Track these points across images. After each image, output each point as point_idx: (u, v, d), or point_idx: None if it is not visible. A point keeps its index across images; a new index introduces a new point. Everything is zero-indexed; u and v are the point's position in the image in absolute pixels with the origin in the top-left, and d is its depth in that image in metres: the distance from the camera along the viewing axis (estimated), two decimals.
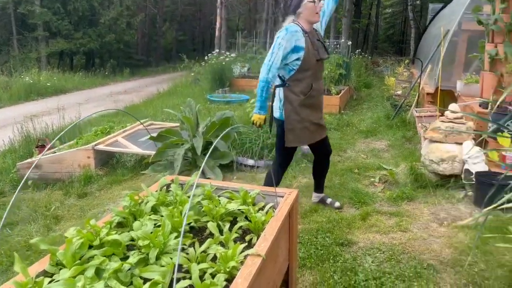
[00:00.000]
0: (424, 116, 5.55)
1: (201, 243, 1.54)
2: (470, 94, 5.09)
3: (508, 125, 3.69)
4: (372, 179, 4.18)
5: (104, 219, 1.64)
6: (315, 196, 3.65)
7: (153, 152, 4.38)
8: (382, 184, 4.05)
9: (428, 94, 6.64)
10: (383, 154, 5.13)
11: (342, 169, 4.51)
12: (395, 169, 4.30)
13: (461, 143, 3.83)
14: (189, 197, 1.87)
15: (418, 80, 7.15)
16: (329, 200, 3.60)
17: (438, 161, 3.80)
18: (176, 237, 1.46)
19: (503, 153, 3.65)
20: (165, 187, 1.99)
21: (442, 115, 4.25)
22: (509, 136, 3.25)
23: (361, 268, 2.59)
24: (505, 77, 4.12)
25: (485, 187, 3.29)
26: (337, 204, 3.55)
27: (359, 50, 14.48)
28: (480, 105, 4.46)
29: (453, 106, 4.16)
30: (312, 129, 3.15)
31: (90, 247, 1.44)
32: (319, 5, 2.98)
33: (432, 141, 3.96)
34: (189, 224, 1.68)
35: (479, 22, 4.55)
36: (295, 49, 2.95)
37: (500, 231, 2.91)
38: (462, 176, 3.73)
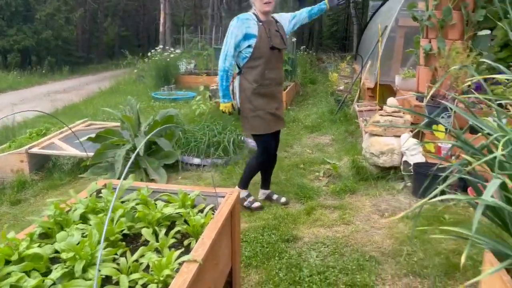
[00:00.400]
0: (365, 111, 5.70)
1: (134, 252, 1.45)
2: (407, 88, 5.26)
3: (442, 117, 3.85)
4: (317, 174, 4.23)
5: (25, 231, 1.50)
6: (262, 193, 3.64)
7: (92, 154, 4.16)
8: (326, 178, 4.10)
9: (368, 89, 6.82)
10: (327, 148, 5.22)
11: (289, 164, 4.53)
12: (338, 163, 4.38)
13: (399, 136, 3.96)
14: (122, 202, 1.76)
15: (359, 76, 7.34)
16: (275, 197, 3.60)
17: (378, 154, 3.90)
18: (106, 247, 1.37)
19: (439, 144, 3.81)
20: (95, 192, 1.87)
21: (382, 109, 4.37)
22: (444, 130, 3.39)
23: (305, 264, 2.60)
24: (439, 71, 4.30)
25: (422, 177, 3.43)
26: (283, 200, 3.56)
27: (304, 46, 14.63)
28: (416, 99, 4.63)
29: (390, 100, 4.29)
30: (267, 118, 3.17)
31: (8, 262, 1.31)
32: None
33: (372, 134, 4.06)
34: (122, 231, 1.58)
35: (414, 18, 4.72)
36: (246, 36, 3.03)
37: (437, 220, 3.04)
38: (401, 167, 3.86)
